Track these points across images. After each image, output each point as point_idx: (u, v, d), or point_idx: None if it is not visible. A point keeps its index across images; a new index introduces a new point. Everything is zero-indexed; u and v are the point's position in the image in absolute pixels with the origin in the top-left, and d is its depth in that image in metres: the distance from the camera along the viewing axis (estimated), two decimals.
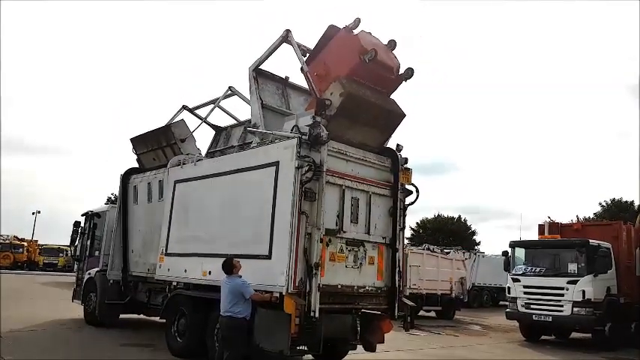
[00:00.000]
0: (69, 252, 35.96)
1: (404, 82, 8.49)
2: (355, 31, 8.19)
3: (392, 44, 8.48)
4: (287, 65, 9.51)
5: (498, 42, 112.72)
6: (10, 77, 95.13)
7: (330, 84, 7.92)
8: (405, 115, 8.56)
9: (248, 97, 11.13)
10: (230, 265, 7.08)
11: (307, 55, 8.70)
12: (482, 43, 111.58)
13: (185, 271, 9.16)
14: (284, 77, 10.04)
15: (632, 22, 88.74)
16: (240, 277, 7.05)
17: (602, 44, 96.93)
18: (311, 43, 8.79)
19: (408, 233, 9.36)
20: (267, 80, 9.69)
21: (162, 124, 12.11)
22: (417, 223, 51.63)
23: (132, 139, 12.76)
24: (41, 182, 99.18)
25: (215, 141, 12.13)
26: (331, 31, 8.44)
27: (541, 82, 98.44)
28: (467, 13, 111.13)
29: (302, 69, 8.44)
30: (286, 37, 8.72)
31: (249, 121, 9.65)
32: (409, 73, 8.34)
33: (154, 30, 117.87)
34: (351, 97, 7.72)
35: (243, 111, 11.91)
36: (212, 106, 12.00)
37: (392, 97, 8.66)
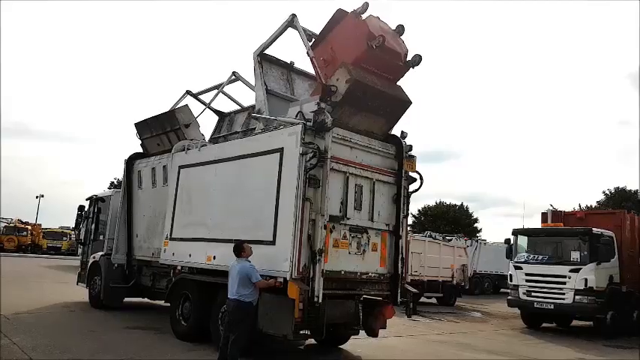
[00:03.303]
0: (73, 236, 36.50)
1: (411, 68, 8.40)
2: (363, 16, 8.07)
3: (400, 29, 8.36)
4: (292, 50, 9.46)
5: (501, 31, 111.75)
6: (15, 67, 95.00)
7: (336, 70, 7.85)
8: (411, 103, 8.51)
9: (252, 82, 11.13)
10: (240, 249, 7.13)
11: (313, 39, 8.63)
12: (484, 32, 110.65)
13: (190, 255, 9.21)
14: (289, 62, 9.98)
15: (632, 10, 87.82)
16: (249, 261, 7.10)
17: (604, 32, 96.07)
18: (317, 29, 8.73)
19: (409, 220, 9.37)
20: (271, 65, 9.64)
21: (167, 109, 12.11)
22: (419, 210, 51.72)
23: (136, 124, 12.75)
24: (45, 167, 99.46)
25: (218, 127, 12.14)
26: (339, 15, 8.31)
27: (543, 70, 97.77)
28: (468, 3, 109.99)
29: (308, 54, 8.36)
30: (292, 22, 8.64)
31: (254, 106, 9.63)
32: (417, 59, 8.24)
33: (158, 15, 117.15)
34: (357, 84, 7.66)
35: (246, 97, 11.90)
36: (216, 91, 11.97)
37: (399, 83, 8.60)
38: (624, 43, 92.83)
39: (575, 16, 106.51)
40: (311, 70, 8.66)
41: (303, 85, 10.09)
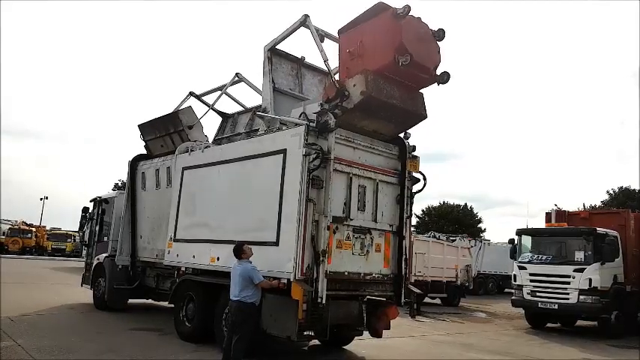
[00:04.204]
0: (77, 237, 36.67)
1: (437, 85, 7.99)
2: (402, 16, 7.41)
3: (440, 34, 7.76)
4: (306, 44, 9.29)
5: (504, 30, 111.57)
6: (16, 67, 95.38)
7: (356, 74, 7.55)
8: (425, 117, 8.30)
9: (255, 84, 11.14)
10: (240, 250, 7.13)
11: (322, 37, 8.42)
12: (487, 31, 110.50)
13: (193, 256, 9.24)
14: (300, 57, 9.90)
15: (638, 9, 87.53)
16: (251, 262, 7.10)
17: (607, 31, 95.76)
18: (327, 27, 8.68)
19: (413, 220, 9.33)
20: (282, 59, 9.60)
21: (170, 110, 12.14)
22: (423, 210, 51.72)
23: (140, 126, 12.79)
24: (47, 168, 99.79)
25: (222, 128, 12.16)
26: (379, 8, 7.68)
27: (547, 70, 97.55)
28: (470, 3, 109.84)
29: (321, 56, 8.17)
30: (304, 22, 8.51)
31: (258, 107, 9.65)
32: (444, 78, 7.83)
33: (160, 16, 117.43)
34: (371, 99, 7.49)
35: (249, 98, 11.92)
36: (219, 92, 11.99)
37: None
38: (630, 41, 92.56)
39: (580, 15, 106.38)
40: (321, 65, 8.54)
41: (313, 81, 10.06)
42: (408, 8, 7.32)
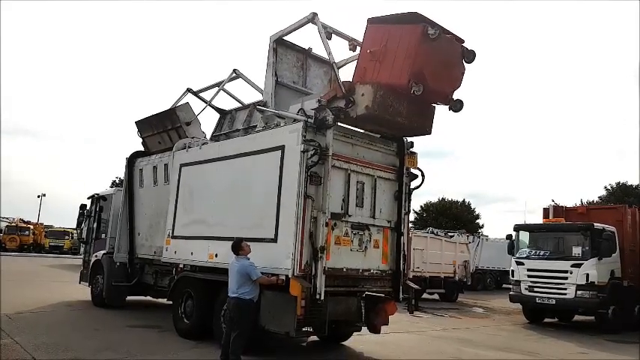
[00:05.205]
0: (75, 235, 36.66)
1: (449, 110, 7.80)
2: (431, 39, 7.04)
3: (470, 57, 7.46)
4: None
5: (504, 28, 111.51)
6: (16, 66, 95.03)
7: (367, 83, 7.36)
8: (429, 133, 8.21)
9: (253, 77, 11.08)
10: (238, 247, 7.13)
11: (330, 35, 8.31)
12: (488, 30, 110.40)
13: (192, 253, 9.23)
14: (307, 48, 9.79)
15: None
16: (249, 259, 7.11)
17: (609, 28, 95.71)
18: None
19: (411, 216, 9.31)
20: (287, 50, 9.51)
21: (168, 107, 12.09)
22: (421, 206, 51.68)
23: (137, 123, 12.75)
24: (45, 167, 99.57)
25: (220, 124, 12.11)
26: (412, 17, 7.24)
27: (546, 68, 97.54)
28: (472, 3, 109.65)
29: (329, 58, 8.14)
30: (312, 19, 8.36)
31: (258, 102, 9.63)
32: (457, 106, 7.67)
33: (159, 14, 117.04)
34: (374, 116, 7.44)
35: (247, 94, 11.88)
36: (217, 89, 11.94)
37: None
38: (630, 41, 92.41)
39: (583, 14, 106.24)
40: (327, 57, 8.49)
41: (318, 72, 9.98)
42: (439, 33, 6.99)
